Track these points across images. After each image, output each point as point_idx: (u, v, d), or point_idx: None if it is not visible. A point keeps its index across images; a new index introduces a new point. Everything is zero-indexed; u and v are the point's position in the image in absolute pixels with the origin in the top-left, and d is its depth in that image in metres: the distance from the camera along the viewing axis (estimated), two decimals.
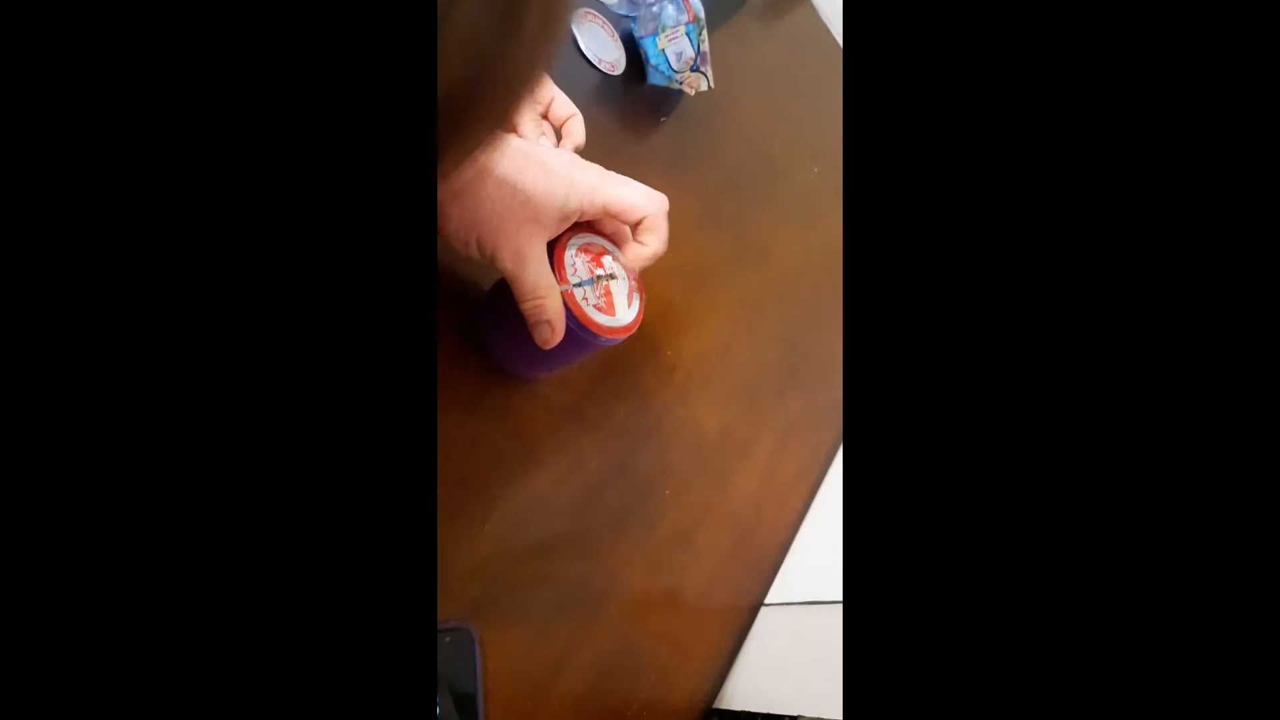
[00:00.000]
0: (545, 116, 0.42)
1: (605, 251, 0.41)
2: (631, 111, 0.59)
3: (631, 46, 0.59)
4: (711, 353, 0.59)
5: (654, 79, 0.58)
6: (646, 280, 0.55)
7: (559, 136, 0.43)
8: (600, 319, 0.38)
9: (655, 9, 0.56)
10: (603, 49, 0.56)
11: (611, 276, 0.40)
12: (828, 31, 0.87)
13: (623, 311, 0.40)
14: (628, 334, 0.39)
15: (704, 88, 0.58)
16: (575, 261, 0.38)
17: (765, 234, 0.69)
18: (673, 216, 0.61)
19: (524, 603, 0.41)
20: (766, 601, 0.54)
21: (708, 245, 0.63)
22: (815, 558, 0.57)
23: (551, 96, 0.42)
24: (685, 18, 0.55)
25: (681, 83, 0.57)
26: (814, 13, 0.87)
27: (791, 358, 0.66)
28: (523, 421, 0.44)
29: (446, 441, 0.40)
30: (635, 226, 0.40)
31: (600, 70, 0.56)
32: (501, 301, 0.38)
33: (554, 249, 0.38)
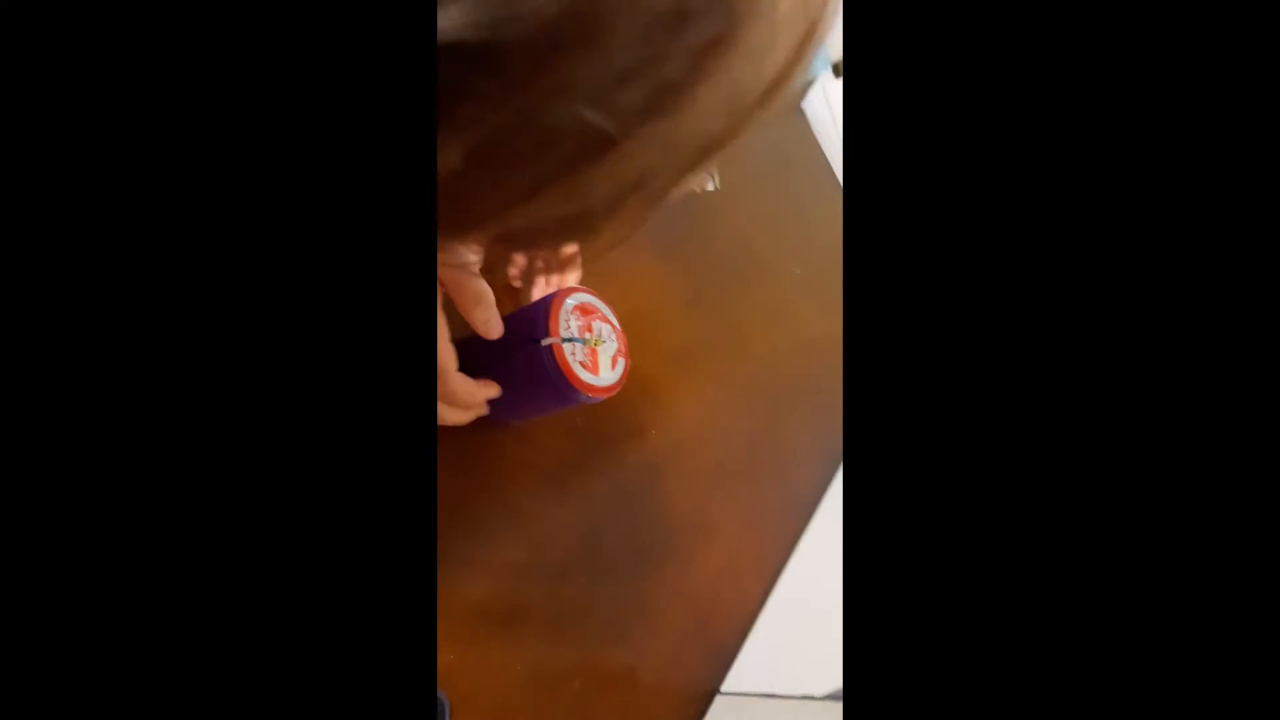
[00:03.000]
0: None
1: (598, 313, 0.42)
2: None
3: None
4: (689, 433, 0.61)
5: None
6: (637, 356, 0.57)
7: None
8: (583, 375, 0.39)
9: None
10: None
11: (600, 340, 0.41)
12: (817, 145, 0.94)
13: (605, 372, 0.41)
14: (608, 394, 0.41)
15: (710, 187, 0.62)
16: (569, 319, 0.40)
17: (746, 325, 0.72)
18: (663, 298, 0.64)
19: (492, 673, 0.41)
20: (721, 690, 0.54)
21: (693, 329, 0.65)
22: (771, 649, 0.57)
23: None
24: None
25: None
26: (805, 124, 0.94)
27: (762, 446, 0.69)
28: (508, 486, 0.45)
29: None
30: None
31: None
32: (485, 342, 0.39)
33: (551, 301, 0.39)
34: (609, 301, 0.44)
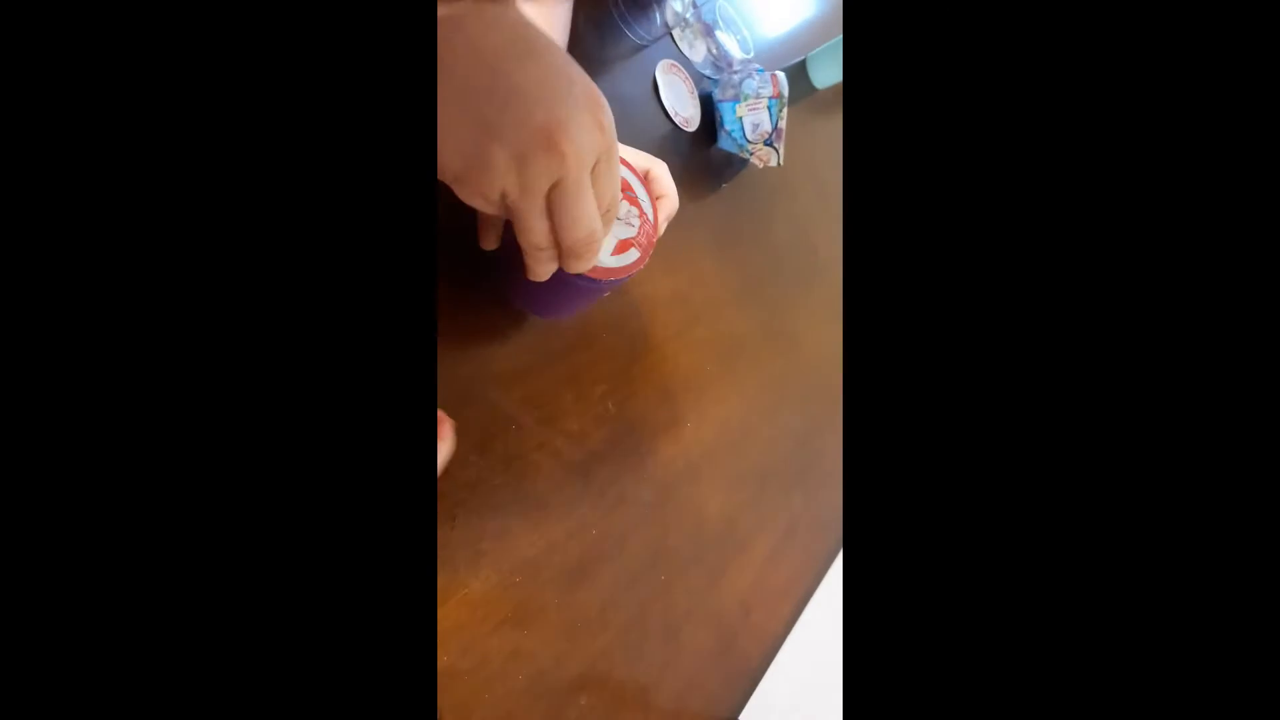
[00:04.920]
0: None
1: (630, 193, 0.36)
2: (695, 169, 0.57)
3: (707, 107, 0.57)
4: (728, 433, 0.55)
5: (724, 143, 0.56)
6: (678, 343, 0.52)
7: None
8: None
9: (738, 78, 0.55)
10: (680, 103, 0.54)
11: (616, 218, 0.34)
12: None
13: (604, 253, 0.34)
14: (613, 276, 0.34)
15: (773, 163, 0.56)
16: None
17: (798, 323, 0.67)
18: (715, 288, 0.58)
19: (490, 681, 0.36)
20: None
21: (743, 322, 0.60)
22: (795, 681, 0.52)
23: (648, 168, 0.39)
24: (770, 92, 0.53)
25: (752, 153, 0.56)
26: None
27: (804, 454, 0.63)
28: (529, 472, 0.40)
29: (446, 479, 0.36)
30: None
31: (674, 123, 0.54)
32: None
33: None
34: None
